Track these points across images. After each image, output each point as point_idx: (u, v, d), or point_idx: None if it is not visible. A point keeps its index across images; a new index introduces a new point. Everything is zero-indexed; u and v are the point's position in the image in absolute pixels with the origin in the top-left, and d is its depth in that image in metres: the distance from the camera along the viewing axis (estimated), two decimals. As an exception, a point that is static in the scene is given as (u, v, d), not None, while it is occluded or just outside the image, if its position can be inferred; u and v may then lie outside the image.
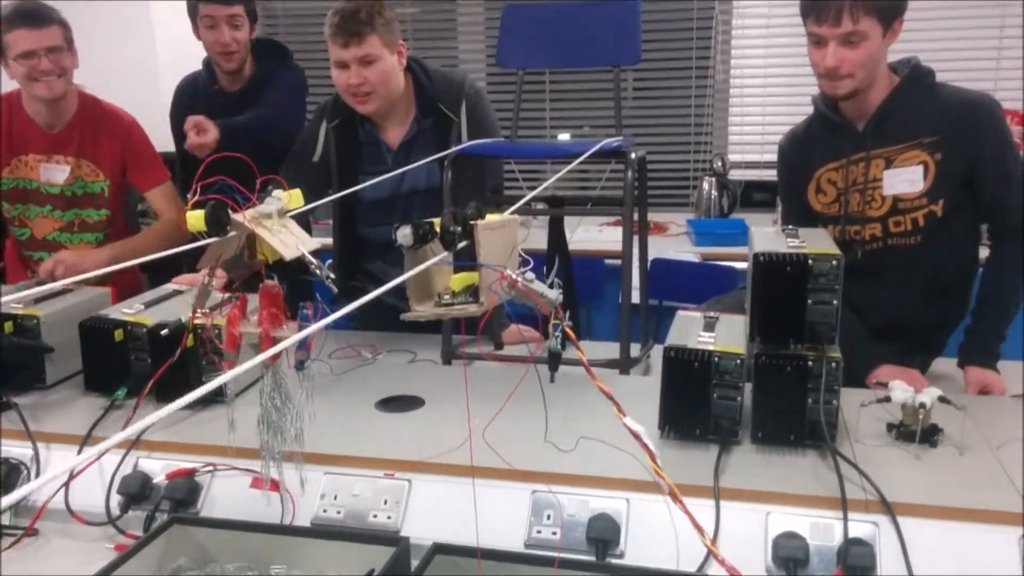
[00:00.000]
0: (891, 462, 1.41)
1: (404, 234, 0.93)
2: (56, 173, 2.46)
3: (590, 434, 1.48)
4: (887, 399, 1.48)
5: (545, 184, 1.62)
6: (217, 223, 1.07)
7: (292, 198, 1.14)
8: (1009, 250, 1.85)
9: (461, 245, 0.93)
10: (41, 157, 2.46)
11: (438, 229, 0.94)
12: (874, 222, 1.90)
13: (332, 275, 1.13)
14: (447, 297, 0.96)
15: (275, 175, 1.18)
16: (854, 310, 1.95)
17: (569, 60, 2.33)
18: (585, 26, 2.16)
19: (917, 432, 1.43)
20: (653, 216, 3.90)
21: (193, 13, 2.61)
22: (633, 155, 1.89)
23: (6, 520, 1.45)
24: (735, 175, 3.88)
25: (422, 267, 0.89)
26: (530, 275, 0.96)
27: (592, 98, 4.08)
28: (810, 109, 2.03)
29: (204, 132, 2.39)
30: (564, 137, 4.03)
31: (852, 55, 1.76)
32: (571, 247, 2.58)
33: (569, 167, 1.63)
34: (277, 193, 1.13)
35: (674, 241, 3.57)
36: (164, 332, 1.55)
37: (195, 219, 1.07)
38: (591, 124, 4.11)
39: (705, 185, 3.79)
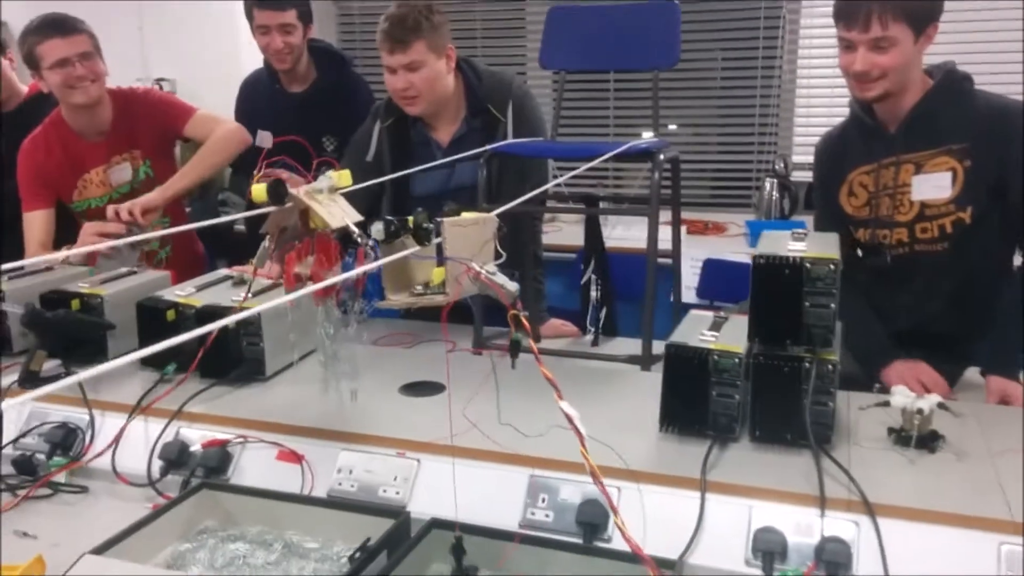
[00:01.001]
0: (884, 465, 1.43)
1: (377, 229, 1.03)
2: (122, 173, 2.60)
3: (592, 425, 1.53)
4: (886, 403, 1.50)
5: (551, 184, 1.70)
6: (277, 195, 1.24)
7: (341, 177, 1.31)
8: None
9: (438, 240, 1.02)
10: (103, 167, 2.59)
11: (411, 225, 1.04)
12: (901, 227, 1.90)
13: (372, 241, 1.25)
14: (420, 288, 1.05)
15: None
16: (881, 315, 1.96)
17: (609, 62, 2.39)
18: (625, 28, 2.21)
19: (913, 437, 1.45)
20: (713, 216, 3.94)
21: (249, 17, 2.76)
22: (661, 156, 1.93)
23: (62, 478, 1.62)
24: (798, 177, 3.85)
25: (393, 258, 0.98)
26: (492, 268, 1.04)
27: (673, 96, 4.12)
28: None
29: None
30: (648, 135, 4.09)
31: (882, 60, 1.77)
32: (615, 245, 2.64)
33: (586, 166, 1.71)
34: (329, 173, 1.30)
35: (731, 242, 3.58)
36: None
37: (259, 191, 1.25)
38: (678, 122, 4.17)
39: (767, 186, 3.78)
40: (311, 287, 1.18)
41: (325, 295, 1.39)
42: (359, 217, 1.27)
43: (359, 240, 1.21)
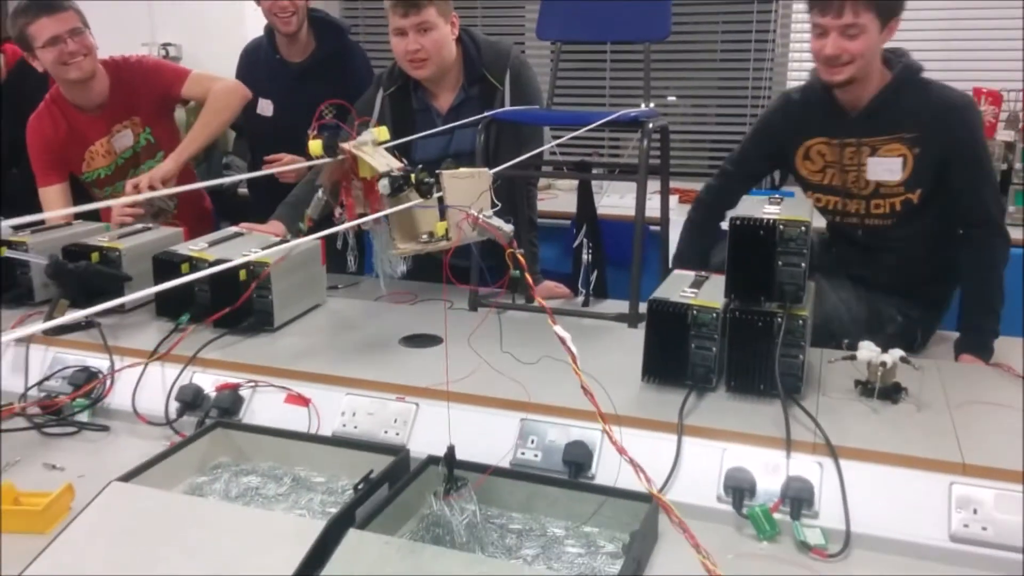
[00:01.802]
0: (848, 413, 1.55)
1: (383, 184, 1.13)
2: (124, 140, 2.68)
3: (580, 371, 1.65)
4: (853, 357, 1.61)
5: (543, 148, 1.80)
6: (331, 148, 1.42)
7: (380, 132, 1.47)
8: (986, 245, 1.98)
9: (438, 195, 1.13)
10: (106, 137, 2.67)
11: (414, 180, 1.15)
12: (858, 199, 2.08)
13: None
14: (425, 237, 1.16)
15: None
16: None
17: (602, 33, 2.47)
18: (618, 2, 2.30)
19: (876, 388, 1.57)
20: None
21: None
22: (650, 125, 2.03)
23: (85, 418, 1.74)
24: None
25: (399, 208, 1.09)
26: (488, 212, 1.14)
27: (673, 68, 4.21)
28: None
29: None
30: (672, 99, 4.20)
31: (851, 45, 1.90)
32: (608, 212, 2.75)
33: (573, 134, 1.81)
34: (370, 129, 1.46)
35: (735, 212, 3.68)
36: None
37: (315, 146, 1.43)
38: (677, 93, 4.25)
39: (759, 157, 3.86)
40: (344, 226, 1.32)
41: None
42: (399, 163, 1.41)
43: (408, 175, 1.35)
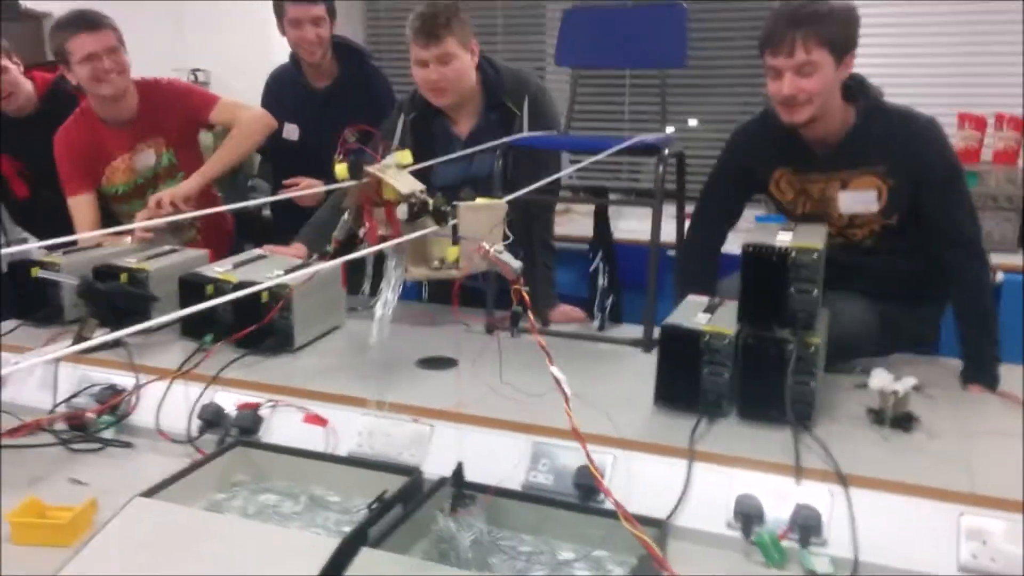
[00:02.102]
0: (860, 441, 1.56)
1: (401, 209, 1.17)
2: (147, 159, 2.74)
3: (593, 398, 1.67)
4: (865, 385, 1.62)
5: (560, 174, 1.84)
6: (357, 171, 1.43)
7: (404, 156, 1.49)
8: (966, 268, 1.96)
9: (454, 222, 1.16)
10: (128, 154, 2.73)
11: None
12: (835, 227, 2.05)
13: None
14: (437, 263, 1.20)
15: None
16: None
17: (619, 61, 2.51)
18: (635, 29, 2.34)
19: (887, 416, 1.58)
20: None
21: (279, 13, 2.87)
22: (666, 151, 2.06)
23: (110, 434, 1.78)
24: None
25: (416, 235, 1.13)
26: (500, 247, 1.17)
27: (694, 92, 4.25)
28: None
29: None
30: (669, 130, 4.19)
31: (806, 84, 1.88)
32: (625, 236, 2.77)
33: (590, 159, 1.84)
34: (394, 153, 1.47)
35: (742, 236, 3.68)
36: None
37: (341, 169, 1.45)
38: (698, 117, 4.27)
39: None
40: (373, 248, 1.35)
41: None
42: (422, 186, 1.43)
43: (426, 202, 1.38)
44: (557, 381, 1.06)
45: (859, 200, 2.01)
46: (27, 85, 2.91)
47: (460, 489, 1.35)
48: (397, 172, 1.43)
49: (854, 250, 2.07)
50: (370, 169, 1.45)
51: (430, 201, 1.19)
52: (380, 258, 1.83)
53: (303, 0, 2.82)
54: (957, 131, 3.43)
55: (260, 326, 1.93)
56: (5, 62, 2.80)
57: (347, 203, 1.55)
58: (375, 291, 2.09)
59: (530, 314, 1.14)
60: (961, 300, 1.97)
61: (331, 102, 2.96)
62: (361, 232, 1.59)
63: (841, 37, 1.89)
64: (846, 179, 2.02)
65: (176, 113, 2.76)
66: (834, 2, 1.91)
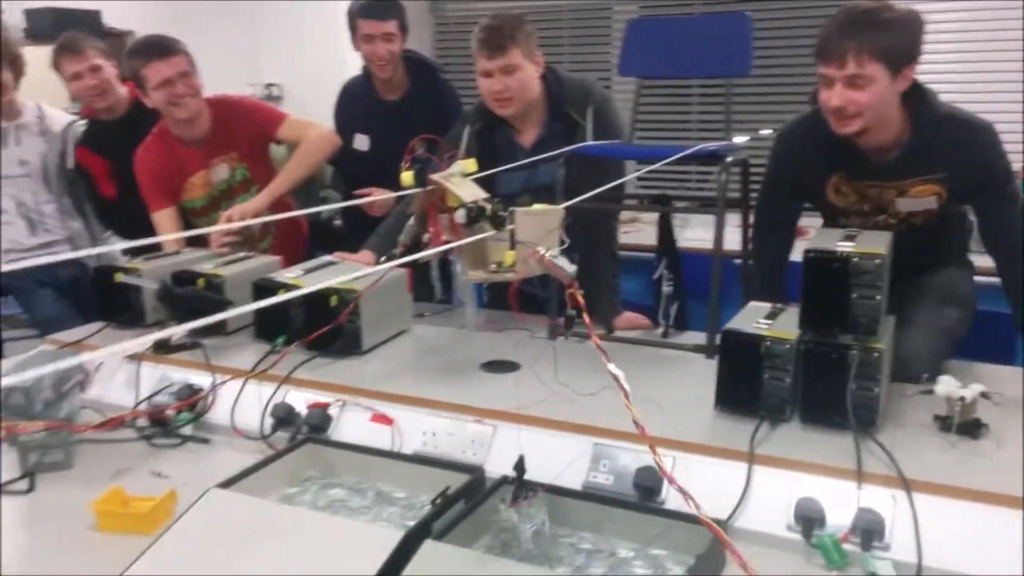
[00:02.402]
0: (925, 448, 1.54)
1: (460, 214, 1.21)
2: (221, 171, 2.85)
3: (655, 402, 1.68)
4: (931, 392, 1.60)
5: (619, 180, 1.86)
6: (422, 178, 1.51)
7: (468, 164, 1.56)
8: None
9: (511, 227, 1.20)
10: (204, 170, 2.84)
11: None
12: (893, 218, 2.04)
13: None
14: (494, 267, 1.24)
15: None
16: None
17: (684, 71, 2.52)
18: (699, 38, 2.35)
19: (954, 423, 1.56)
20: (795, 220, 3.99)
21: (353, 28, 2.95)
22: (729, 159, 2.06)
23: (188, 431, 1.87)
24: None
25: (475, 239, 1.17)
26: (555, 252, 1.21)
27: (765, 100, 4.24)
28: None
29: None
30: (740, 139, 4.18)
31: (857, 97, 1.82)
32: (691, 245, 2.78)
33: (648, 168, 1.86)
34: (459, 161, 1.55)
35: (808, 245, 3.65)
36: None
37: (407, 177, 1.54)
38: (768, 126, 4.24)
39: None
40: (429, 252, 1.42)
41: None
42: (485, 194, 1.48)
43: (483, 207, 1.43)
44: (615, 378, 1.09)
45: (918, 204, 2.00)
46: (121, 89, 3.07)
47: (521, 480, 1.37)
48: (461, 180, 1.48)
49: (911, 229, 2.06)
50: (435, 177, 1.51)
51: (488, 207, 1.23)
52: (445, 263, 1.90)
53: (375, 17, 2.90)
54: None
55: (331, 328, 2.00)
56: (100, 61, 2.95)
57: (412, 209, 1.61)
58: (448, 298, 2.14)
59: (585, 316, 1.17)
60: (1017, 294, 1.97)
61: (401, 114, 3.03)
62: (425, 238, 1.65)
63: (899, 48, 1.81)
64: (903, 187, 1.99)
65: (246, 129, 2.86)
66: (897, 8, 1.83)
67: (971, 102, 3.42)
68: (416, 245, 1.67)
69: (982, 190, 1.98)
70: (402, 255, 1.70)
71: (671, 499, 1.51)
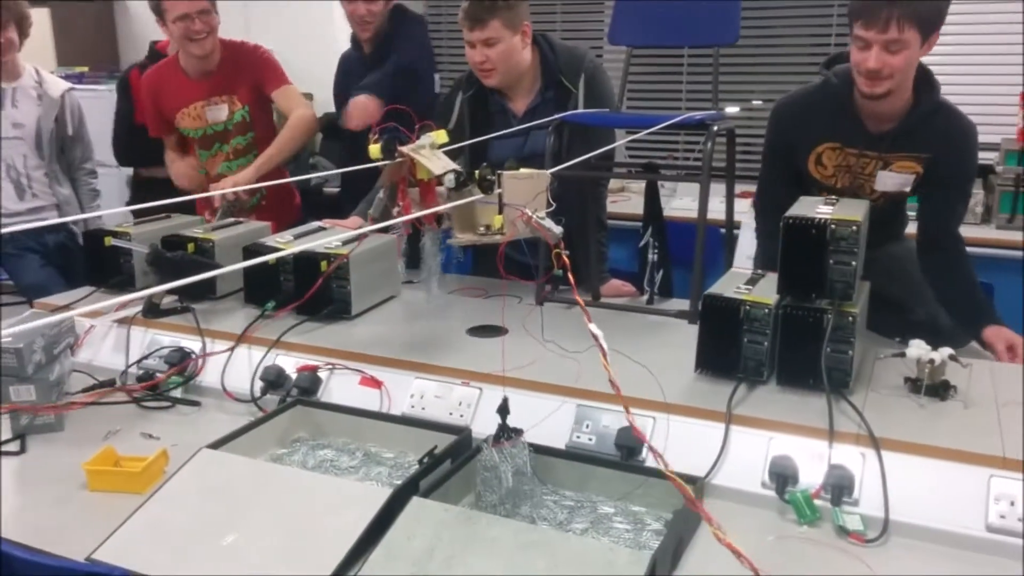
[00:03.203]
0: (895, 408, 1.59)
1: (449, 178, 1.24)
2: (219, 112, 2.91)
3: (638, 367, 1.73)
4: (903, 354, 1.65)
5: (607, 148, 1.89)
6: (389, 151, 1.51)
7: (439, 136, 1.57)
8: (961, 263, 2.12)
9: (499, 191, 1.23)
10: (201, 103, 2.90)
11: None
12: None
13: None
14: (483, 229, 1.27)
15: (427, 119, 1.63)
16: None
17: (672, 39, 2.54)
18: (688, 7, 2.37)
19: (923, 384, 1.60)
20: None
21: None
22: (715, 128, 2.09)
23: (179, 394, 1.90)
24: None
25: (462, 202, 1.20)
26: (542, 214, 1.24)
27: (754, 71, 4.26)
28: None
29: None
30: (732, 110, 4.20)
31: (893, 60, 1.90)
32: (676, 214, 2.81)
33: (635, 136, 1.88)
34: (429, 133, 1.55)
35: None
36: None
37: (375, 150, 1.52)
38: (758, 97, 4.26)
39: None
40: (414, 215, 1.44)
41: (431, 224, 1.70)
42: (456, 166, 1.50)
43: (454, 175, 1.45)
44: (595, 337, 1.12)
45: (897, 181, 2.08)
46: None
47: (505, 421, 1.41)
48: (431, 152, 1.49)
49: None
50: (403, 149, 1.50)
51: (477, 171, 1.26)
52: (414, 238, 1.91)
53: None
54: (1020, 111, 3.41)
55: (321, 293, 2.02)
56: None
57: (381, 181, 1.60)
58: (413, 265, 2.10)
59: (570, 276, 1.21)
60: (957, 292, 2.11)
61: (382, 62, 3.02)
62: (395, 212, 1.66)
63: (933, 14, 1.91)
64: (890, 160, 2.07)
65: (249, 75, 2.93)
66: None
67: (971, 98, 3.48)
68: (385, 219, 1.68)
69: (947, 182, 2.09)
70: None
71: (651, 458, 1.55)
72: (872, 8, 1.89)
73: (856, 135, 2.09)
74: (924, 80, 2.04)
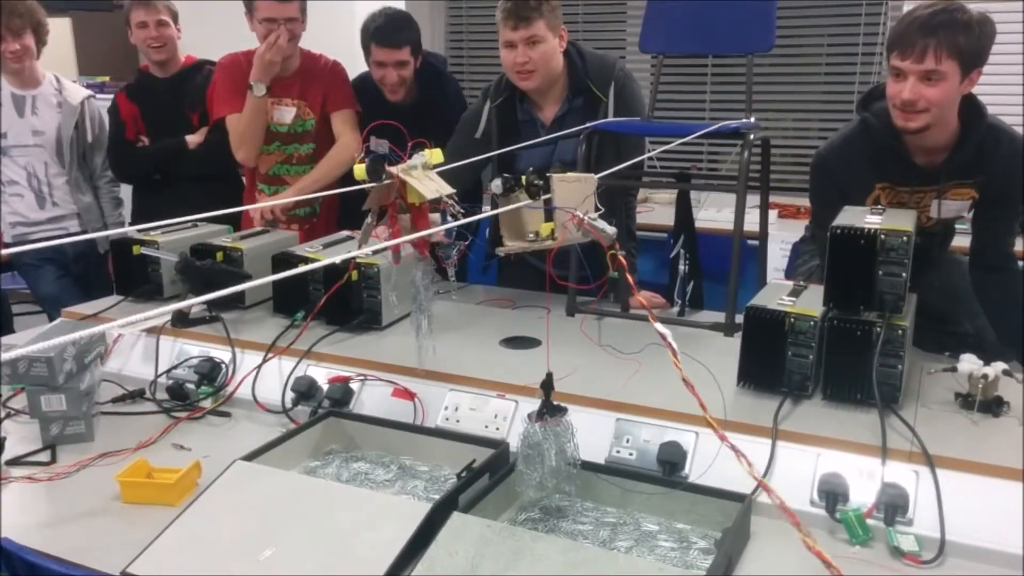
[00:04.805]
0: (947, 424, 1.55)
1: (496, 184, 1.21)
2: (285, 114, 2.89)
3: (674, 379, 1.69)
4: (953, 369, 1.61)
5: (640, 157, 1.85)
6: (375, 173, 1.40)
7: (434, 155, 1.45)
8: (1016, 278, 2.08)
9: (546, 196, 1.20)
10: (273, 100, 2.88)
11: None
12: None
13: (462, 211, 1.42)
14: (532, 236, 1.23)
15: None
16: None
17: (705, 47, 2.50)
18: (721, 15, 2.33)
19: (976, 400, 1.56)
20: (803, 201, 3.99)
21: (366, 49, 2.88)
22: (751, 136, 2.05)
23: (209, 404, 1.87)
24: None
25: (511, 208, 1.17)
26: (594, 215, 1.20)
27: (779, 81, 4.23)
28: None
29: None
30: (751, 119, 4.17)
31: (929, 92, 1.84)
32: (706, 225, 2.77)
33: (671, 144, 1.85)
34: (423, 151, 1.45)
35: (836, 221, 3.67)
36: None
37: (359, 170, 1.41)
38: (781, 107, 4.23)
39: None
40: (409, 237, 1.37)
41: (422, 254, 1.64)
42: (451, 189, 1.42)
43: (452, 209, 1.40)
44: (662, 336, 1.09)
45: (954, 208, 2.05)
46: (178, 53, 3.19)
47: (549, 398, 1.37)
48: (423, 173, 1.39)
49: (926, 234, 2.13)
50: (393, 170, 1.38)
51: (524, 176, 1.23)
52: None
53: (387, 45, 2.83)
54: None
55: (351, 304, 2.00)
56: (167, 18, 3.08)
57: (368, 205, 1.46)
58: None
59: (628, 276, 1.17)
60: (1010, 311, 2.05)
61: (415, 121, 2.95)
62: (384, 236, 1.56)
63: (974, 50, 1.85)
64: (945, 190, 2.03)
65: (321, 88, 2.92)
66: (973, 11, 1.86)
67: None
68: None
69: (1002, 200, 2.05)
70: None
71: (694, 474, 1.52)
72: (909, 37, 1.84)
73: (907, 173, 2.03)
74: (970, 108, 1.97)
